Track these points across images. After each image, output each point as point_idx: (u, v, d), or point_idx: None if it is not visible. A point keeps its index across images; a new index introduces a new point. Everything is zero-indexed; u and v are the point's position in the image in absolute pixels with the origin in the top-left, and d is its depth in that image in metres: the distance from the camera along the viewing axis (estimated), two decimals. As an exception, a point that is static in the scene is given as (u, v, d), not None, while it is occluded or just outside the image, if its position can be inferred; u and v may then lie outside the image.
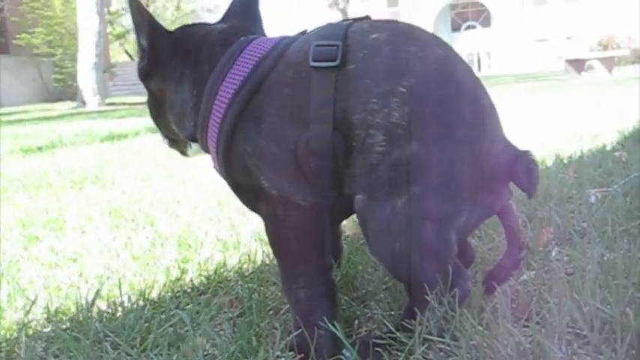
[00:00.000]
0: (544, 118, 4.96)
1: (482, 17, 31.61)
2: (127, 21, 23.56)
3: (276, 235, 1.20)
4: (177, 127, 1.31)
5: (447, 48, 1.17)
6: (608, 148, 3.18)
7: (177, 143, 1.39)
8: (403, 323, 1.12)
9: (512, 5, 30.15)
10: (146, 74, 1.32)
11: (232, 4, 1.39)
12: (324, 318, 1.13)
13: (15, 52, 19.57)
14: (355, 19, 1.22)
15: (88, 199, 2.74)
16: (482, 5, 30.95)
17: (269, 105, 1.15)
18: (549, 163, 2.82)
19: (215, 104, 1.19)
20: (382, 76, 1.08)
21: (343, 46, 1.12)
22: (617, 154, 2.92)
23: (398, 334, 1.10)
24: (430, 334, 1.09)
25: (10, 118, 11.48)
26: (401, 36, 1.13)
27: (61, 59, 18.58)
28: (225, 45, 1.25)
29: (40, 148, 5.04)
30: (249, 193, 1.22)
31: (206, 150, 1.28)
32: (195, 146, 1.33)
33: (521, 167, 1.12)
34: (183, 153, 1.40)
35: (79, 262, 1.78)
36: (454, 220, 1.10)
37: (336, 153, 1.10)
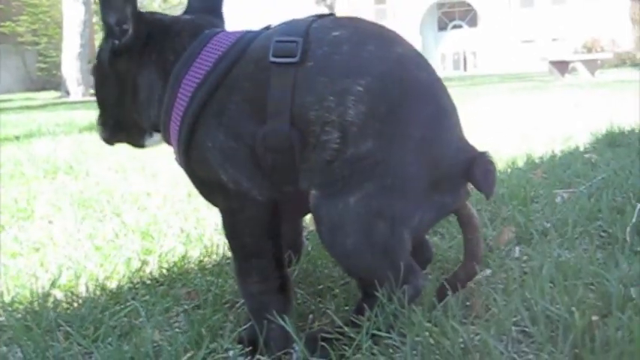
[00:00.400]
0: (522, 119, 4.99)
1: (469, 17, 31.70)
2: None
3: (231, 229, 1.20)
4: (141, 115, 1.29)
5: (408, 47, 1.17)
6: (581, 149, 3.21)
7: (131, 134, 1.35)
8: (352, 318, 1.13)
9: (499, 6, 30.26)
10: (119, 54, 1.27)
11: None
12: (275, 312, 1.14)
13: (-1, 40, 19.39)
14: (319, 16, 1.22)
15: (59, 190, 2.72)
16: (469, 5, 31.04)
17: (230, 100, 1.15)
18: (520, 163, 2.85)
19: (178, 97, 1.19)
20: (339, 74, 1.09)
21: (304, 43, 1.12)
22: (587, 155, 2.95)
23: (346, 329, 1.11)
24: (379, 330, 1.10)
25: (-9, 106, 11.39)
26: (362, 34, 1.14)
27: (46, 48, 18.47)
28: (192, 35, 1.25)
29: (17, 138, 5.00)
30: (208, 187, 1.23)
31: (167, 141, 1.28)
32: (156, 136, 1.33)
33: (478, 168, 1.13)
34: (137, 144, 1.37)
35: (41, 252, 1.78)
36: (407, 218, 1.11)
37: (293, 149, 1.11)
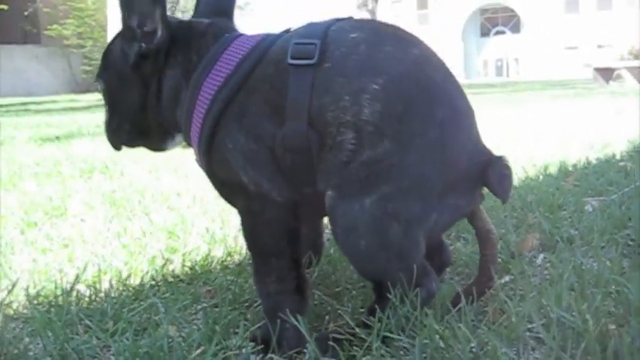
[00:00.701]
0: (560, 126, 4.91)
1: (512, 23, 31.34)
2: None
3: (251, 230, 1.22)
4: (165, 117, 1.30)
5: (425, 49, 1.18)
6: (617, 157, 3.16)
7: (150, 137, 1.36)
8: (364, 320, 1.14)
9: (543, 12, 29.84)
10: (147, 57, 1.27)
11: (202, 1, 1.40)
12: (290, 312, 1.15)
13: (46, 43, 19.92)
14: (338, 19, 1.23)
15: (93, 189, 2.79)
16: (512, 11, 30.69)
17: (250, 102, 1.17)
18: (553, 170, 2.81)
19: (199, 99, 1.21)
20: (356, 74, 1.10)
21: (321, 45, 1.14)
22: (622, 164, 2.90)
23: (357, 330, 1.11)
24: (390, 331, 1.11)
25: (38, 108, 11.70)
26: (379, 35, 1.15)
27: (91, 51, 18.85)
28: (215, 38, 1.27)
29: (57, 138, 5.13)
30: (228, 188, 1.24)
31: (188, 142, 1.30)
32: (178, 138, 1.35)
33: (493, 172, 1.13)
34: (157, 148, 1.38)
35: (70, 248, 1.82)
36: (422, 220, 1.11)
37: (310, 150, 1.12)
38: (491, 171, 1.13)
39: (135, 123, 1.34)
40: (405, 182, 1.07)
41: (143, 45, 1.26)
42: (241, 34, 1.28)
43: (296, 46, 1.15)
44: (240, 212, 1.23)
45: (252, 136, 1.15)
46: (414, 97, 1.09)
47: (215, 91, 1.17)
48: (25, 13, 19.57)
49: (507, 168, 1.14)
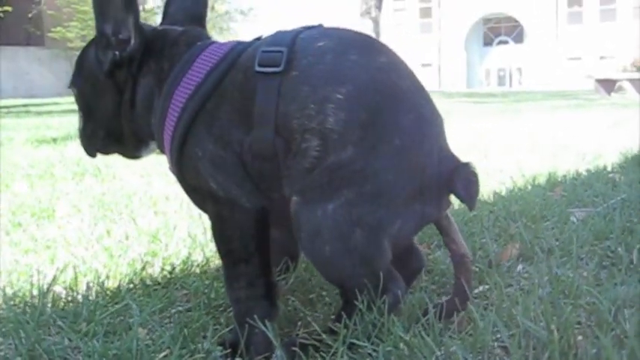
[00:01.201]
0: (556, 137, 4.92)
1: (515, 33, 31.37)
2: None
3: (220, 235, 1.23)
4: (140, 125, 1.30)
5: (392, 57, 1.19)
6: (608, 169, 3.16)
7: (125, 145, 1.36)
8: (330, 326, 1.15)
9: (547, 22, 29.88)
10: (121, 65, 1.28)
11: (172, 6, 1.41)
12: (259, 318, 1.16)
13: (49, 45, 19.98)
14: (307, 27, 1.24)
15: (83, 192, 2.80)
16: (515, 21, 30.73)
17: (219, 110, 1.18)
18: (542, 180, 2.82)
19: (170, 107, 1.22)
20: (321, 83, 1.11)
21: (288, 53, 1.15)
22: (611, 175, 2.91)
23: (324, 336, 1.12)
24: (357, 338, 1.11)
25: (39, 109, 11.72)
26: (346, 44, 1.16)
27: (94, 54, 18.90)
28: (188, 45, 1.28)
29: (54, 140, 5.15)
30: (199, 194, 1.26)
31: (162, 150, 1.31)
32: (152, 145, 1.36)
33: (459, 179, 1.14)
34: (132, 155, 1.39)
35: (52, 250, 1.83)
36: (386, 227, 1.12)
37: (277, 156, 1.13)
38: (457, 177, 1.13)
39: (109, 130, 1.34)
40: (368, 188, 1.08)
41: (117, 53, 1.27)
42: (213, 42, 1.29)
43: (263, 54, 1.16)
44: (211, 218, 1.24)
45: (221, 143, 1.17)
46: (379, 105, 1.10)
47: (186, 99, 1.19)
48: (29, 15, 19.64)
49: (474, 174, 1.14)
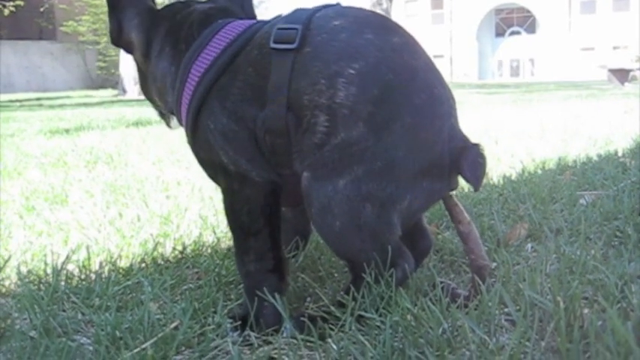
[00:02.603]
0: (568, 124, 4.90)
1: (528, 23, 31.15)
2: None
3: (230, 209, 1.25)
4: (160, 100, 1.39)
5: (406, 37, 1.20)
6: (619, 154, 3.15)
7: (163, 115, 1.46)
8: (339, 298, 1.16)
9: (559, 12, 29.65)
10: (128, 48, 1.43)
11: None
12: (268, 291, 1.17)
13: (61, 39, 20.08)
14: (325, 6, 1.26)
15: (96, 178, 2.83)
16: (528, 11, 30.50)
17: (233, 84, 1.20)
18: (552, 165, 2.81)
19: (187, 82, 1.26)
20: (333, 59, 1.13)
21: (303, 30, 1.16)
22: (622, 160, 2.90)
23: (332, 308, 1.14)
24: (365, 310, 1.13)
25: (52, 103, 11.80)
26: (361, 23, 1.18)
27: (106, 47, 19.03)
28: (203, 26, 1.31)
29: (67, 130, 5.19)
30: (211, 168, 1.28)
31: (181, 123, 1.34)
32: (176, 119, 1.40)
33: (466, 159, 1.15)
34: (168, 125, 1.47)
35: (65, 232, 1.86)
36: (396, 202, 1.13)
37: (289, 132, 1.15)
38: (464, 158, 1.14)
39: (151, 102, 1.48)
40: (378, 164, 1.10)
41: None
42: (233, 20, 1.31)
43: (279, 31, 1.18)
44: (222, 192, 1.26)
45: (234, 117, 1.19)
46: (391, 82, 1.11)
47: (202, 73, 1.21)
48: (41, 10, 19.75)
49: (481, 156, 1.15)
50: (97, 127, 5.45)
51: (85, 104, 11.06)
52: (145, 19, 1.39)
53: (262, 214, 1.22)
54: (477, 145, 1.17)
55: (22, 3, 17.61)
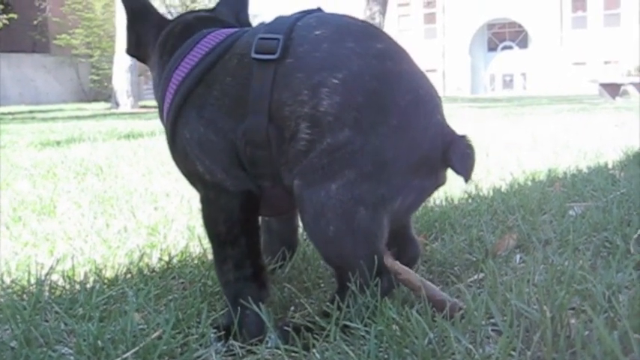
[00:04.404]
0: (558, 137, 4.91)
1: (520, 38, 31.34)
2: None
3: (208, 218, 1.25)
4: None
5: (389, 43, 1.20)
6: (609, 166, 3.16)
7: None
8: (324, 308, 1.15)
9: (551, 27, 29.84)
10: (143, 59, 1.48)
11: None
12: (250, 300, 1.16)
13: (55, 52, 20.08)
14: (307, 12, 1.26)
15: (85, 189, 2.81)
16: (520, 26, 30.69)
17: (210, 94, 1.20)
18: (542, 177, 2.82)
19: (167, 92, 1.26)
20: (316, 69, 1.12)
21: (285, 40, 1.16)
22: (612, 172, 2.90)
23: (317, 318, 1.12)
24: (350, 320, 1.12)
25: (44, 116, 11.77)
26: (342, 32, 1.17)
27: (99, 61, 19.04)
28: (185, 36, 1.32)
29: (58, 142, 5.17)
30: (188, 177, 1.29)
31: None
32: None
33: (455, 152, 1.15)
34: None
35: (51, 243, 1.84)
36: (388, 203, 1.13)
37: (270, 144, 1.15)
38: (452, 150, 1.14)
39: None
40: (369, 167, 1.09)
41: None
42: (216, 30, 1.31)
43: (260, 41, 1.18)
44: (200, 201, 1.27)
45: (212, 127, 1.19)
46: (376, 89, 1.11)
47: (179, 82, 1.21)
48: (35, 23, 19.75)
49: (469, 147, 1.15)
50: (88, 139, 5.43)
51: (78, 117, 11.04)
52: (153, 31, 1.41)
53: (238, 223, 1.22)
54: (464, 137, 1.17)
55: (15, 16, 17.61)
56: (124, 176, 3.23)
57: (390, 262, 1.16)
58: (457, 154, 1.14)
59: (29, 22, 19.49)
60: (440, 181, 1.20)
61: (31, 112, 13.64)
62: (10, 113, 13.00)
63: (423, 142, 1.13)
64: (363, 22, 1.23)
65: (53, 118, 10.71)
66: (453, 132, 1.18)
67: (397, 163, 1.11)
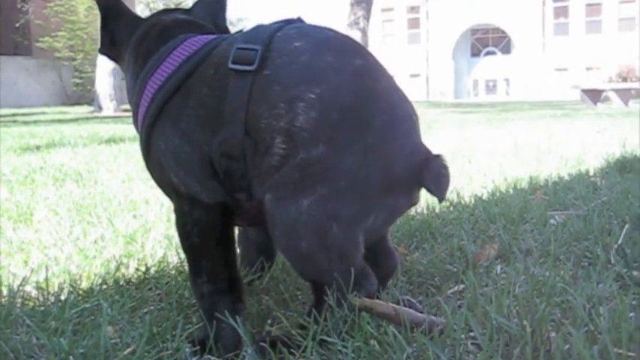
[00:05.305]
0: (540, 143, 4.93)
1: (503, 44, 31.54)
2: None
3: (182, 230, 1.23)
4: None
5: (368, 59, 1.18)
6: (590, 173, 3.17)
7: None
8: (301, 322, 1.13)
9: (534, 34, 30.07)
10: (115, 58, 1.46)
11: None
12: (226, 313, 1.14)
13: (37, 55, 19.90)
14: (287, 22, 1.24)
15: (63, 196, 2.77)
16: (503, 32, 30.90)
17: (186, 104, 1.18)
18: (524, 184, 2.82)
19: (142, 100, 1.23)
20: (293, 83, 1.10)
21: (263, 51, 1.14)
22: (593, 179, 2.91)
23: (294, 332, 1.11)
24: (328, 334, 1.10)
25: (26, 119, 11.65)
26: (322, 45, 1.15)
27: (82, 64, 18.90)
28: (161, 41, 1.29)
29: (38, 147, 5.11)
30: (163, 188, 1.26)
31: None
32: None
33: (429, 172, 1.12)
34: None
35: (26, 252, 1.81)
36: (361, 221, 1.11)
37: (245, 156, 1.12)
38: (426, 171, 1.12)
39: None
40: (341, 184, 1.07)
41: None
42: (193, 36, 1.28)
43: (238, 51, 1.15)
44: (174, 212, 1.24)
45: (187, 139, 1.17)
46: (352, 106, 1.09)
47: (155, 91, 1.19)
48: (17, 25, 19.56)
49: (444, 167, 1.13)
50: (69, 144, 5.37)
51: (60, 120, 10.94)
52: (127, 30, 1.38)
53: (213, 236, 1.20)
54: (439, 157, 1.15)
55: (-4, 18, 17.47)
56: (104, 182, 3.19)
57: (359, 300, 1.14)
58: (432, 174, 1.12)
59: (11, 24, 19.31)
60: (414, 201, 1.18)
61: (13, 115, 13.50)
62: (-9, 116, 12.87)
63: (398, 161, 1.11)
64: (343, 35, 1.21)
65: (35, 122, 10.60)
66: (428, 151, 1.16)
67: (370, 182, 1.09)
